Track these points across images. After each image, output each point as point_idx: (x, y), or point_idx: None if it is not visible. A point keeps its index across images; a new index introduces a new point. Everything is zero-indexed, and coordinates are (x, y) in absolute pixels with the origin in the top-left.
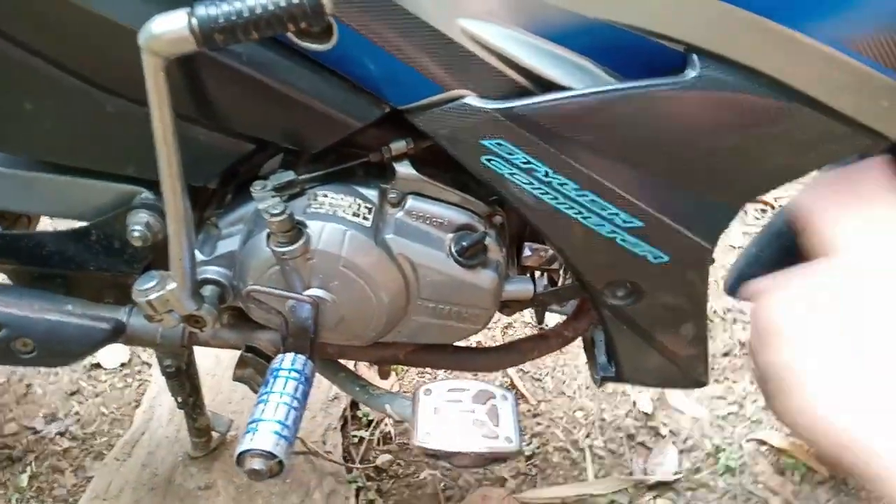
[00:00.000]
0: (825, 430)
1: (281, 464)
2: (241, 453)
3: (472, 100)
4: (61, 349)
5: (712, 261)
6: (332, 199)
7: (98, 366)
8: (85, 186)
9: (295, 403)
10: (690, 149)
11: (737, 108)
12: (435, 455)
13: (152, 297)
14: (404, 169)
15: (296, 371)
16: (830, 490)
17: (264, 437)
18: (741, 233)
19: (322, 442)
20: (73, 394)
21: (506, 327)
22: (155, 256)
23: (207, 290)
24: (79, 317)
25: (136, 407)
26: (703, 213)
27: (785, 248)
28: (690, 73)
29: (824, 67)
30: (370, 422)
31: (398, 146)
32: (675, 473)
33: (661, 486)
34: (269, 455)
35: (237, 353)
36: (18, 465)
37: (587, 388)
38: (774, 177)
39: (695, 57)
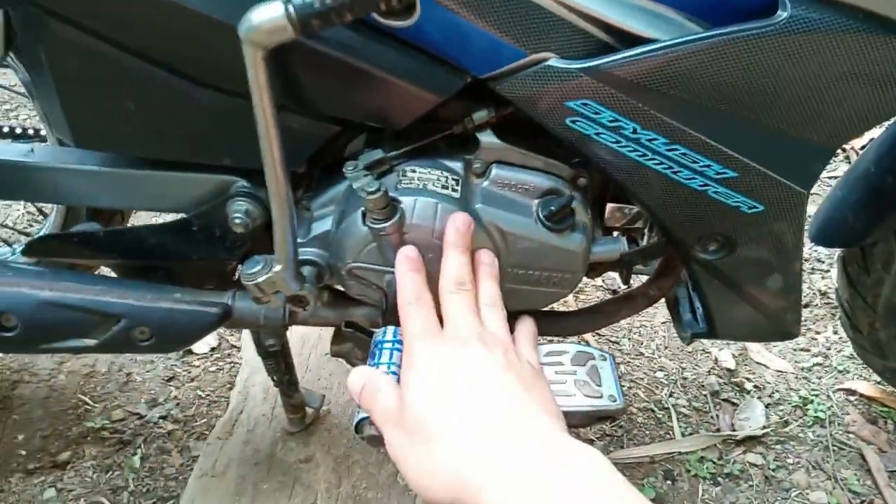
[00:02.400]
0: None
1: None
2: (359, 421)
3: (555, 62)
4: (176, 335)
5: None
6: (420, 174)
7: (190, 352)
8: (183, 180)
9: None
10: (784, 92)
11: (831, 47)
12: None
13: (260, 279)
14: (487, 138)
15: (399, 342)
16: None
17: None
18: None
19: None
20: (169, 380)
21: (577, 292)
22: (252, 242)
23: (306, 271)
24: (189, 304)
25: (230, 388)
26: (797, 158)
27: (873, 189)
28: (782, 15)
29: None
30: None
31: (480, 116)
32: (763, 427)
33: (750, 441)
34: None
35: (321, 332)
36: (129, 447)
37: (665, 347)
38: (870, 116)
39: None
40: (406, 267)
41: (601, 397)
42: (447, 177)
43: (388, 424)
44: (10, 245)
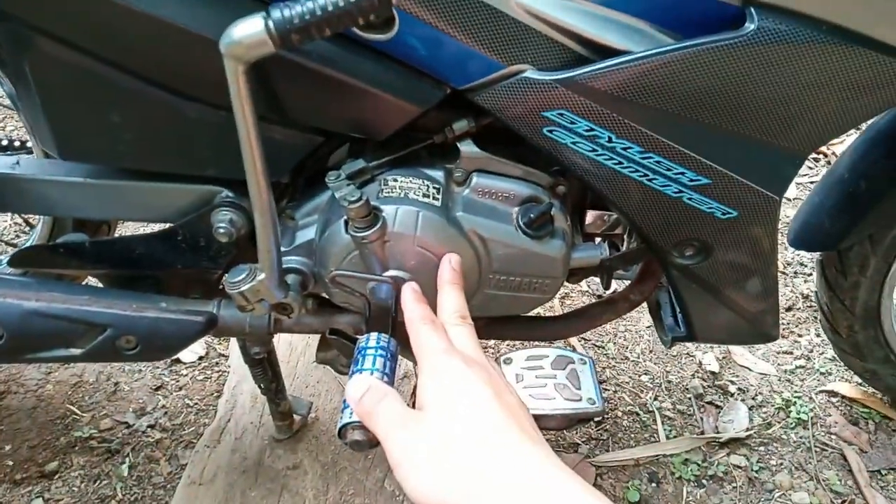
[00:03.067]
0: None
1: None
2: (342, 427)
3: (532, 73)
4: (162, 344)
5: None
6: (401, 183)
7: (178, 360)
8: (168, 190)
9: (385, 378)
10: (753, 101)
11: (798, 57)
12: None
13: (244, 288)
14: (467, 148)
15: (381, 348)
16: None
17: None
18: (794, 184)
19: None
20: (157, 389)
21: (563, 297)
22: (237, 251)
23: (290, 279)
24: (174, 312)
25: (218, 397)
26: (770, 165)
27: (848, 195)
28: (750, 27)
29: (886, 7)
30: None
31: (460, 126)
32: (747, 429)
33: (734, 443)
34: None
35: (309, 340)
36: (118, 456)
37: (650, 351)
38: (839, 123)
39: (752, 10)
40: (414, 297)
41: (580, 400)
42: (428, 185)
43: (395, 428)
44: None
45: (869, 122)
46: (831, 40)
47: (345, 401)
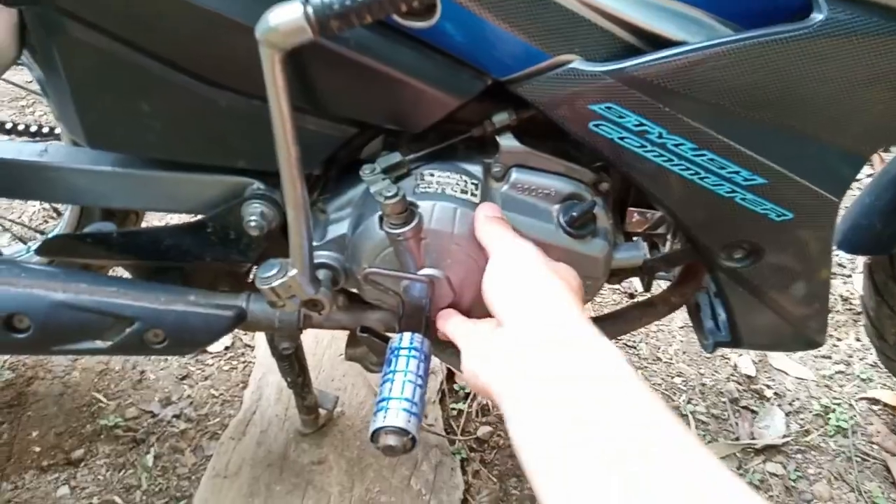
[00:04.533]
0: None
1: (414, 440)
2: (375, 430)
3: (579, 64)
4: (190, 338)
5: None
6: (438, 178)
7: (204, 350)
8: (198, 181)
9: (419, 381)
10: (816, 97)
11: (867, 50)
12: None
13: (275, 283)
14: (507, 142)
15: (415, 349)
16: None
17: (396, 415)
18: None
19: (424, 415)
20: (183, 378)
21: None
22: (268, 244)
23: (321, 274)
24: (203, 306)
25: (244, 388)
26: (830, 165)
27: None
28: (817, 17)
29: None
30: (467, 394)
31: (500, 119)
32: (784, 436)
33: (770, 450)
34: (403, 432)
35: (335, 332)
36: (143, 446)
37: (684, 353)
38: None
39: (821, 0)
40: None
41: None
42: (466, 181)
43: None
44: (24, 242)
45: None
46: None
47: (378, 403)
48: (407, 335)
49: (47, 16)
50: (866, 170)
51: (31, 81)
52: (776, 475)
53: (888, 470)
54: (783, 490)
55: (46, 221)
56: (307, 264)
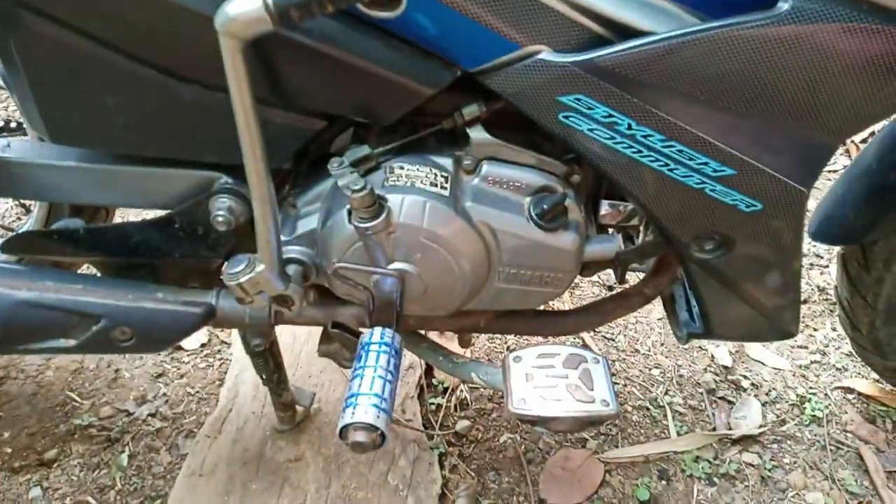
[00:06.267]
0: None
1: (383, 435)
2: (343, 427)
3: (548, 55)
4: (158, 336)
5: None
6: (408, 171)
7: (180, 348)
8: (165, 176)
9: (389, 376)
10: (784, 86)
11: (834, 39)
12: (532, 421)
13: (243, 279)
14: (478, 134)
15: (385, 344)
16: None
17: (365, 411)
18: None
19: (401, 410)
20: (158, 376)
21: (572, 288)
22: (237, 240)
23: (291, 270)
24: (171, 303)
25: (220, 385)
26: (798, 155)
27: (875, 186)
28: (783, 6)
29: None
30: (445, 389)
31: (470, 111)
32: (760, 426)
33: (746, 440)
34: (372, 428)
35: (312, 329)
36: (117, 445)
37: (661, 344)
38: (873, 111)
39: None
40: None
41: (593, 402)
42: (436, 174)
43: None
44: None
45: None
46: (870, 20)
47: (347, 398)
48: (378, 330)
49: (4, 8)
50: (844, 160)
51: None
52: (752, 465)
53: (861, 458)
54: (759, 480)
55: (19, 218)
56: (275, 259)
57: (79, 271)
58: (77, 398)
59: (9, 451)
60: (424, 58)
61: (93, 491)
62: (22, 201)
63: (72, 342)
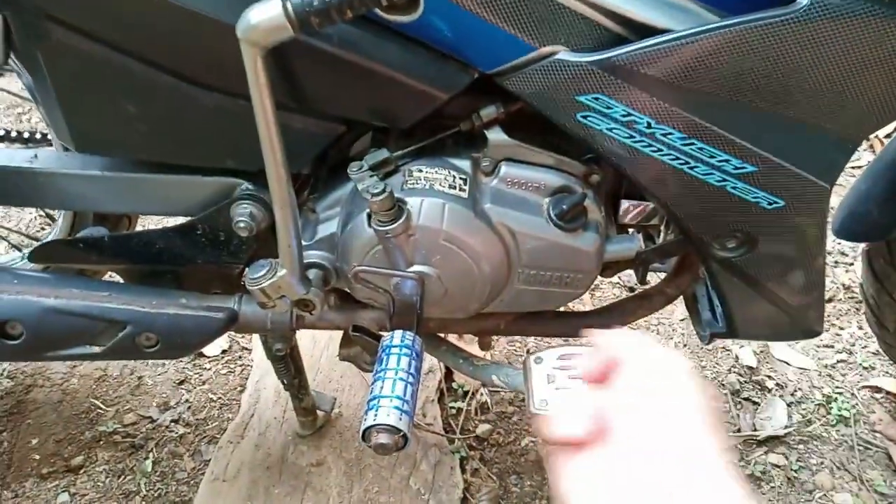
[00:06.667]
0: None
1: (405, 437)
2: (366, 429)
3: (565, 55)
4: (182, 341)
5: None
6: (427, 174)
7: (201, 354)
8: (186, 183)
9: (410, 379)
10: (804, 83)
11: (854, 33)
12: None
13: (265, 284)
14: (496, 135)
15: (406, 347)
16: None
17: (387, 413)
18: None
19: (422, 414)
20: (181, 383)
21: (593, 289)
22: (258, 245)
23: (312, 274)
24: (195, 309)
25: (242, 391)
26: (819, 151)
27: None
28: (802, 2)
29: None
30: (465, 392)
31: (488, 112)
32: (786, 427)
33: (772, 441)
34: (394, 429)
35: (332, 333)
36: (141, 451)
37: (684, 345)
38: (895, 106)
39: None
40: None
41: None
42: (455, 176)
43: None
44: (20, 250)
45: None
46: (891, 13)
47: (369, 401)
48: (398, 333)
49: (31, 20)
50: (868, 155)
51: (22, 89)
52: (778, 466)
53: (890, 458)
54: (785, 481)
55: (43, 228)
56: (296, 264)
57: (103, 279)
58: (101, 405)
59: (37, 457)
60: (441, 61)
61: (118, 496)
62: (47, 211)
63: (98, 349)
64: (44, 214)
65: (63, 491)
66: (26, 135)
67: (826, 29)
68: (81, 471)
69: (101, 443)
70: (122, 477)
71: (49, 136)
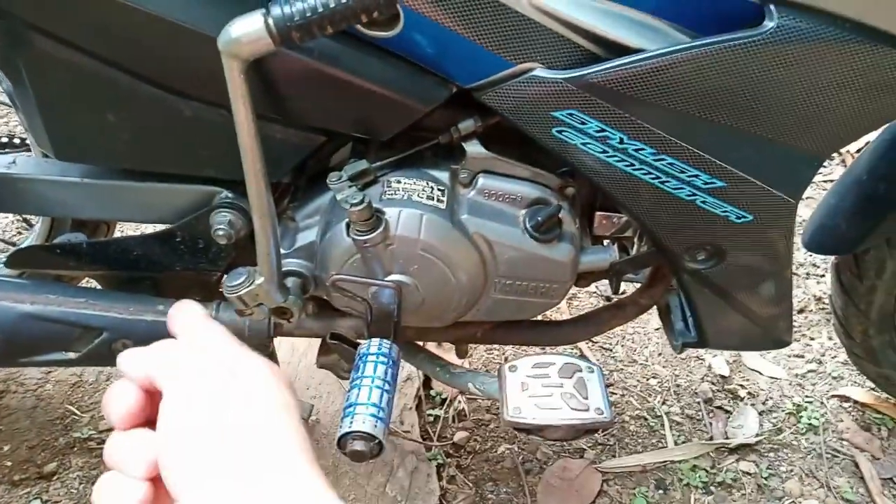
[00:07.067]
0: None
1: (381, 444)
2: (342, 436)
3: (541, 71)
4: None
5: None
6: (405, 185)
7: None
8: (166, 191)
9: (387, 386)
10: (771, 102)
11: (819, 56)
12: (526, 430)
13: (243, 292)
14: (473, 148)
15: (383, 355)
16: None
17: (363, 421)
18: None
19: (400, 422)
20: None
21: (570, 298)
22: (237, 253)
23: (290, 282)
24: None
25: None
26: (786, 167)
27: (866, 197)
28: (769, 25)
29: None
30: (443, 400)
31: (466, 126)
32: (757, 435)
33: (743, 449)
34: (370, 437)
35: (311, 341)
36: None
37: (659, 354)
38: (859, 124)
39: (772, 7)
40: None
41: (588, 410)
42: (433, 187)
43: None
44: None
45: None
46: (854, 38)
47: (345, 409)
48: (376, 341)
49: (13, 29)
50: (840, 169)
51: (0, 94)
52: (749, 473)
53: (857, 465)
54: (755, 488)
55: (20, 233)
56: (274, 272)
57: (80, 285)
58: (76, 411)
59: (9, 464)
60: (421, 75)
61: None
62: (25, 216)
63: (74, 355)
64: (21, 219)
65: (35, 498)
66: (4, 140)
67: (792, 51)
68: (54, 477)
69: (76, 449)
70: (97, 483)
71: (28, 142)
